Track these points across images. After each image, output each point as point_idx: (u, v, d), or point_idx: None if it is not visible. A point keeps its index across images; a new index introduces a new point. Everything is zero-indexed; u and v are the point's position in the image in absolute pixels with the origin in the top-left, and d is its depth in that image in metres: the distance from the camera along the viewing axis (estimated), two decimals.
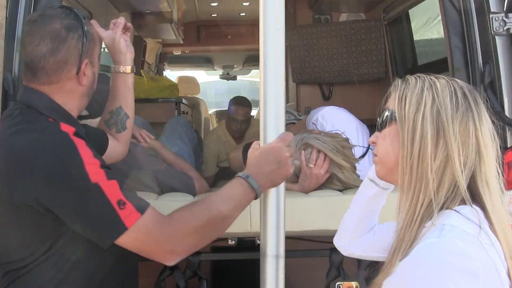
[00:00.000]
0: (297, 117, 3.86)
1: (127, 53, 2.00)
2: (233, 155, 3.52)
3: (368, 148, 2.88)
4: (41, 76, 1.65)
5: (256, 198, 1.62)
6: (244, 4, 6.57)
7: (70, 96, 1.69)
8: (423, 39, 4.16)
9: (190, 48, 7.71)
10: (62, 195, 1.50)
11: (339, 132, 2.68)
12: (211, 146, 4.40)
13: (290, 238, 2.77)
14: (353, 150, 2.64)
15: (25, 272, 1.60)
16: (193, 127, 3.74)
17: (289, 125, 3.27)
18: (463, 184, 1.26)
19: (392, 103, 1.38)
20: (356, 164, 2.64)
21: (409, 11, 3.90)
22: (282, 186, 1.68)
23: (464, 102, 1.31)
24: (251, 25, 7.43)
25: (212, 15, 7.07)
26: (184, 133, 3.38)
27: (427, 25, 5.43)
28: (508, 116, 2.35)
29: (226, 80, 10.14)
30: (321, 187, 2.60)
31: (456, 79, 1.36)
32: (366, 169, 2.76)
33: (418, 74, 1.39)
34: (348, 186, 2.59)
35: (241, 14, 7.10)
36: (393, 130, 1.35)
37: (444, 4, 2.48)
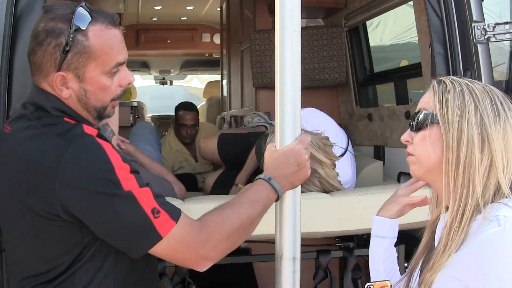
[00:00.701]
0: (267, 121, 3.84)
1: None
2: (206, 144, 3.49)
3: (346, 149, 2.90)
4: (32, 72, 1.56)
5: (277, 200, 1.61)
6: (187, 8, 6.51)
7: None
8: (381, 45, 4.27)
9: (128, 52, 7.50)
10: (92, 203, 1.40)
11: (319, 132, 2.69)
12: (166, 158, 4.37)
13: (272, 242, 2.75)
14: (333, 149, 2.67)
15: (55, 284, 1.49)
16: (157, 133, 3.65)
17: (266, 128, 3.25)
18: (506, 186, 1.36)
19: (431, 104, 1.41)
20: (336, 163, 2.66)
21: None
22: (298, 187, 1.67)
23: (502, 108, 1.39)
24: (191, 30, 7.38)
25: (153, 19, 6.96)
26: (153, 139, 3.29)
27: (383, 35, 5.56)
28: None
29: (161, 85, 10.03)
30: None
31: (489, 85, 1.42)
32: (344, 169, 2.79)
33: (452, 78, 1.44)
34: (325, 186, 2.59)
35: (182, 18, 7.03)
36: (435, 132, 1.40)
37: (428, 12, 2.54)
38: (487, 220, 1.30)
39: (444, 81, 1.42)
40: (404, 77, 3.55)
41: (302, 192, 2.54)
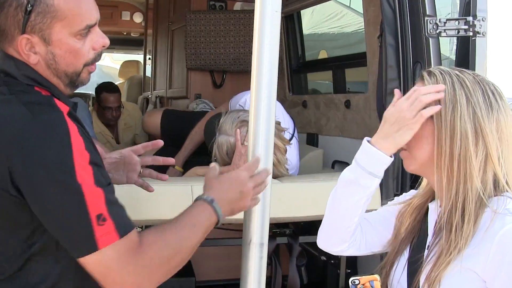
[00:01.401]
0: (212, 108, 3.76)
1: None
2: (149, 117, 3.37)
3: (293, 135, 2.89)
4: None
5: (217, 224, 1.49)
6: None
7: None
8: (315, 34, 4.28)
9: None
10: (38, 184, 1.26)
11: None
12: None
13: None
14: (284, 134, 2.64)
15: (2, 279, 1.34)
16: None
17: (205, 116, 3.15)
18: (502, 178, 1.36)
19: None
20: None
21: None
22: (270, 169, 1.62)
23: (494, 99, 1.38)
24: (111, 7, 7.09)
25: None
26: (86, 116, 3.11)
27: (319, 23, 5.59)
28: None
29: None
30: None
31: (479, 74, 1.41)
32: (291, 155, 2.77)
33: (442, 68, 1.42)
34: (274, 172, 2.56)
35: None
36: (427, 126, 1.37)
37: (382, 3, 2.55)
38: (500, 214, 1.29)
39: (434, 73, 1.39)
40: (343, 66, 3.58)
41: None
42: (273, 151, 2.51)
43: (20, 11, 1.35)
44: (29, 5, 1.34)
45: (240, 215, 2.39)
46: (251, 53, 4.37)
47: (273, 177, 2.55)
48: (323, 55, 7.64)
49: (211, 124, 2.64)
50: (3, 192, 1.28)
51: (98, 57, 1.47)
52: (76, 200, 1.25)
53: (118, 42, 8.30)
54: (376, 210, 2.56)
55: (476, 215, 1.32)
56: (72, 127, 1.31)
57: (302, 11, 4.13)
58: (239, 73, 4.26)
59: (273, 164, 2.53)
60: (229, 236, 2.76)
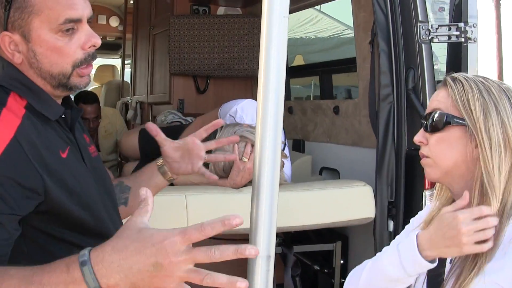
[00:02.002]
0: (181, 117, 3.71)
1: None
2: (126, 139, 3.29)
3: (285, 144, 2.86)
4: None
5: None
6: None
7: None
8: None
9: None
10: None
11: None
12: None
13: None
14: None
15: None
16: None
17: (192, 124, 3.11)
18: None
19: (447, 104, 1.37)
20: None
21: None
22: (276, 180, 1.59)
23: None
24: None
25: None
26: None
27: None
28: None
29: None
30: (249, 183, 2.53)
31: (503, 82, 1.40)
32: (286, 165, 2.75)
33: (465, 75, 1.41)
34: None
35: None
36: (453, 133, 1.35)
37: (375, 10, 2.55)
38: None
39: (459, 79, 1.37)
40: (330, 71, 3.57)
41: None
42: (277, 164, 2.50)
43: (1, 7, 1.30)
44: (6, 1, 1.29)
45: (245, 225, 2.37)
46: (235, 58, 4.39)
47: None
48: (299, 59, 7.68)
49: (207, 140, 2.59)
50: None
51: (89, 57, 1.38)
52: None
53: None
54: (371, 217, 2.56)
55: (502, 227, 1.30)
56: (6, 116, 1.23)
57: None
58: (223, 78, 4.23)
59: None
60: None
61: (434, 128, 1.39)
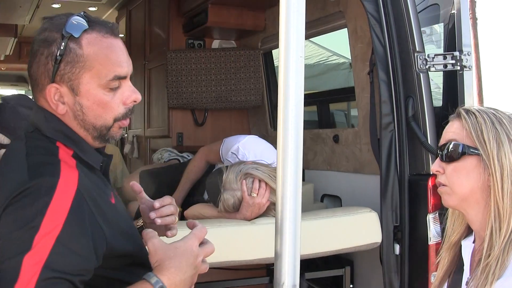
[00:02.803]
0: (178, 154, 3.78)
1: None
2: (127, 185, 3.33)
3: None
4: (31, 88, 1.43)
5: None
6: None
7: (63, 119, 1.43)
8: None
9: (8, 65, 7.05)
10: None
11: (265, 162, 2.69)
12: None
13: (223, 269, 2.70)
14: None
15: None
16: None
17: (197, 156, 3.17)
18: None
19: (462, 135, 1.45)
20: None
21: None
22: (299, 210, 1.65)
23: None
24: None
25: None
26: None
27: None
28: (431, 145, 2.58)
29: None
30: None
31: None
32: None
33: (477, 107, 1.50)
34: None
35: None
36: (469, 162, 1.44)
37: (374, 42, 2.66)
38: None
39: (472, 111, 1.47)
40: (328, 101, 3.67)
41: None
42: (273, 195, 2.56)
43: (51, 60, 1.36)
44: (59, 55, 1.35)
45: (264, 254, 2.42)
46: (232, 90, 4.47)
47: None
48: None
49: (214, 185, 2.65)
50: None
51: (129, 112, 1.45)
52: (14, 263, 1.18)
53: None
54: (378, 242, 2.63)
55: (510, 249, 1.39)
56: (59, 197, 1.24)
57: None
58: (220, 110, 4.31)
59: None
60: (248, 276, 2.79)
61: (450, 158, 1.48)
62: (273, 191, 2.55)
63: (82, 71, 1.38)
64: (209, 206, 2.73)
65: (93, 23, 1.40)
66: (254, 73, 4.14)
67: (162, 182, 3.28)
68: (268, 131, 4.15)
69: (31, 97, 1.80)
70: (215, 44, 4.39)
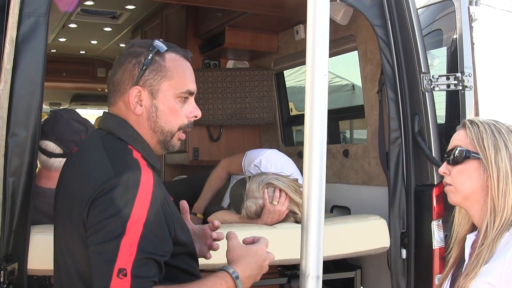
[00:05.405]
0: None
1: None
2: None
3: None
4: (109, 95, 1.70)
5: None
6: (91, 42, 6.47)
7: (134, 124, 1.67)
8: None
9: None
10: (96, 219, 1.45)
11: (285, 174, 2.93)
12: None
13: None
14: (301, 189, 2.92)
15: None
16: None
17: (218, 167, 3.40)
18: None
19: (466, 142, 1.70)
20: None
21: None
22: (322, 211, 1.88)
23: None
24: (87, 64, 7.32)
25: (52, 51, 6.81)
26: None
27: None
28: (435, 158, 2.82)
29: None
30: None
31: (511, 124, 1.75)
32: None
33: (480, 118, 1.76)
34: (299, 221, 2.83)
35: (81, 52, 6.97)
36: (471, 165, 1.69)
37: (383, 63, 2.91)
38: None
39: (475, 122, 1.73)
40: (337, 118, 3.92)
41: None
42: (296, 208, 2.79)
43: (138, 67, 1.64)
44: (146, 63, 1.63)
45: (285, 256, 2.61)
46: (246, 108, 4.70)
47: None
48: (290, 107, 8.02)
49: (239, 196, 2.88)
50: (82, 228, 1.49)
51: (190, 125, 1.73)
52: (112, 245, 1.40)
53: (92, 98, 8.52)
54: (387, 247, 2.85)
55: (499, 238, 1.64)
56: (144, 189, 1.48)
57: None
58: (234, 126, 4.55)
59: (295, 218, 2.81)
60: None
61: (456, 162, 1.74)
62: (294, 202, 2.80)
63: (163, 79, 1.66)
64: (231, 212, 2.96)
65: (172, 47, 1.71)
66: (267, 92, 4.39)
67: (177, 196, 3.50)
68: (280, 147, 4.39)
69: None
70: (230, 64, 4.65)
